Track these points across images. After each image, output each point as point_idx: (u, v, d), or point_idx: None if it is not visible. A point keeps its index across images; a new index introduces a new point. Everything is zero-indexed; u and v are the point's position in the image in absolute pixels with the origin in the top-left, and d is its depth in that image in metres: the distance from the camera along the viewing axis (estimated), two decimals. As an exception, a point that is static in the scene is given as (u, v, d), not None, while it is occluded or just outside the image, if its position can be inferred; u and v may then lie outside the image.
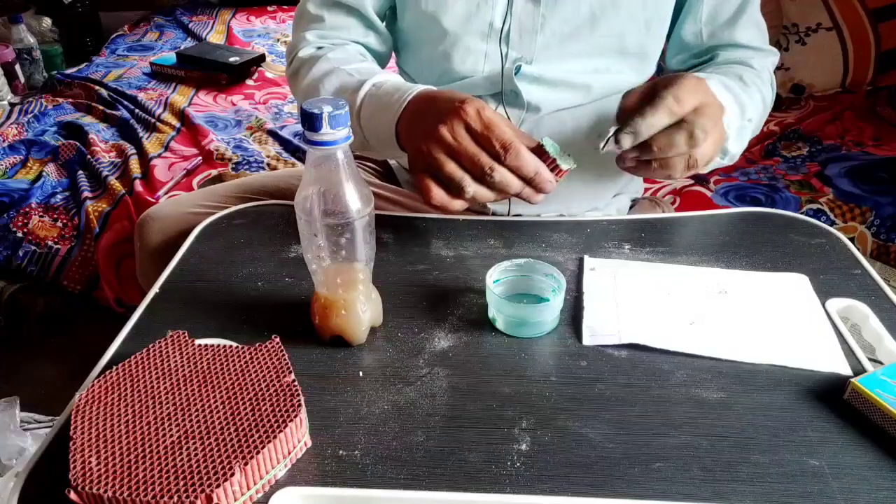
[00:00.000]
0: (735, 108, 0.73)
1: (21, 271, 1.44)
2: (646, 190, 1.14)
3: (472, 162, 0.58)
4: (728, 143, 0.74)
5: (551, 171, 0.60)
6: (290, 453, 0.47)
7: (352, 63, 0.76)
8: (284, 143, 1.69)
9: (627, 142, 0.60)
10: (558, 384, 0.55)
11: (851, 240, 1.01)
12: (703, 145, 0.60)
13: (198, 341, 0.54)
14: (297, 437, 0.47)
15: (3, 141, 1.72)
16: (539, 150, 0.60)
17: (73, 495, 0.42)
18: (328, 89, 0.75)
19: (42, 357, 1.49)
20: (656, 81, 0.62)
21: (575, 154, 0.62)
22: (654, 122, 0.59)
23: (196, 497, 0.41)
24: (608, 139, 0.60)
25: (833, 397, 0.53)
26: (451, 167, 0.58)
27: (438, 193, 0.59)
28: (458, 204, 0.60)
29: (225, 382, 0.50)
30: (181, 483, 0.42)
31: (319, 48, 0.82)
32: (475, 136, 0.58)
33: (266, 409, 0.47)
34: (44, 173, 1.58)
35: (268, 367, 0.51)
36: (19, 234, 1.43)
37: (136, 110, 1.86)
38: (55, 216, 1.47)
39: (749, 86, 0.78)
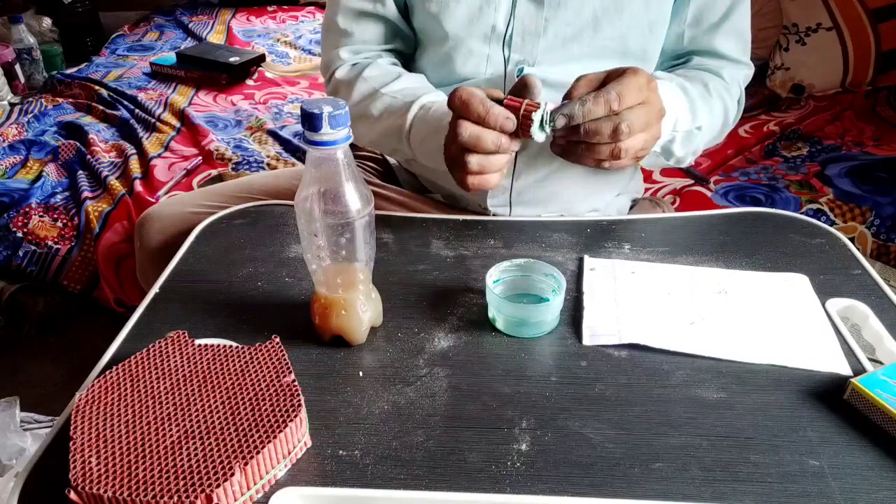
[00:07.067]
0: (687, 113, 0.74)
1: (21, 271, 1.44)
2: (646, 190, 1.14)
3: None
4: (673, 146, 0.76)
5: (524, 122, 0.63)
6: (290, 453, 0.47)
7: (389, 82, 0.80)
8: (284, 143, 1.68)
9: (560, 122, 0.62)
10: (558, 384, 0.55)
11: (851, 240, 1.01)
12: (628, 139, 0.62)
13: (198, 341, 0.54)
14: (297, 437, 0.47)
15: (3, 141, 1.72)
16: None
17: (73, 495, 0.42)
18: (374, 114, 0.80)
19: (42, 357, 1.49)
20: (610, 72, 0.64)
21: None
22: (589, 111, 0.61)
23: (196, 497, 0.41)
24: (543, 114, 0.63)
25: (833, 397, 0.53)
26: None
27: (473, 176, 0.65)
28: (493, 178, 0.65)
29: (225, 382, 0.50)
30: (181, 483, 0.42)
31: (354, 64, 0.85)
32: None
33: (266, 409, 0.47)
34: (44, 173, 1.57)
35: (268, 367, 0.51)
36: (19, 234, 1.43)
37: (136, 110, 1.85)
38: (55, 216, 1.46)
39: (712, 95, 0.79)
